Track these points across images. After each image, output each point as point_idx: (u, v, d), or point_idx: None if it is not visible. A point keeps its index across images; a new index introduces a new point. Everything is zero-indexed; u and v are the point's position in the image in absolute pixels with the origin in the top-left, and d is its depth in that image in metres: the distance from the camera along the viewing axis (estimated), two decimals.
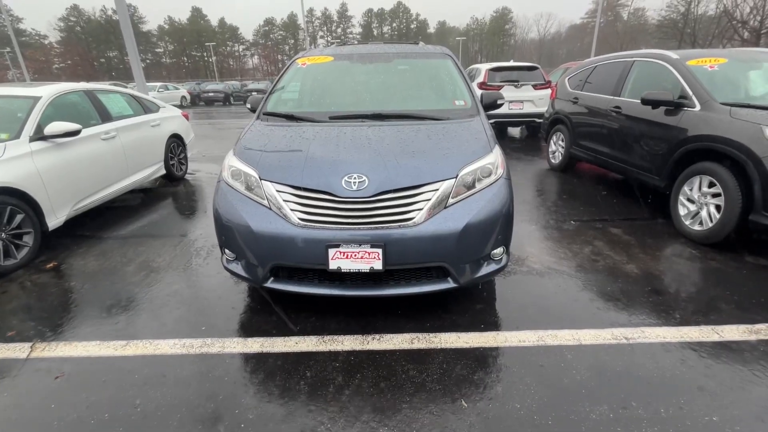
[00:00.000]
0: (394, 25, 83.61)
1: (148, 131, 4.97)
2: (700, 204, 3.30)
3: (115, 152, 4.23)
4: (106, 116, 4.31)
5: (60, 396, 1.84)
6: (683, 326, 2.24)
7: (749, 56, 3.92)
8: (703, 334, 2.17)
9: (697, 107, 3.42)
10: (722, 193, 3.06)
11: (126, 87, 9.21)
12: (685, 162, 3.46)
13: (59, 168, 3.45)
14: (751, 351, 2.03)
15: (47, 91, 3.67)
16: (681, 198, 3.47)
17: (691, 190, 3.38)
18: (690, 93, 3.52)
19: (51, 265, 3.18)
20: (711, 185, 3.19)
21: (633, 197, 4.50)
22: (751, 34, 32.31)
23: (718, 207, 3.12)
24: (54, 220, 3.39)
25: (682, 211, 3.46)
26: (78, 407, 1.77)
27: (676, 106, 3.59)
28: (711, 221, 3.17)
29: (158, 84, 23.15)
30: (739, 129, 3.00)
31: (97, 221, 4.10)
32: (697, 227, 3.30)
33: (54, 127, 3.39)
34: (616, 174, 5.00)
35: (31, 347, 2.18)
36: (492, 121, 2.65)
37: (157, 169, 5.12)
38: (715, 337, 2.13)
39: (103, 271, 3.05)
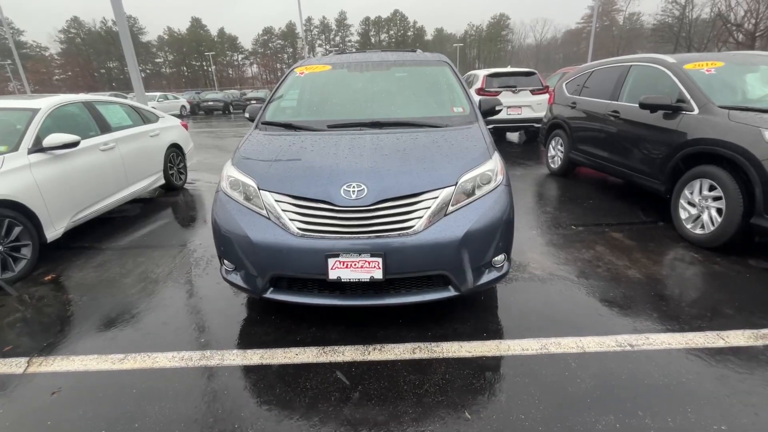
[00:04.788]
0: (392, 32, 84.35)
1: (147, 141, 4.98)
2: (701, 207, 3.28)
3: (114, 163, 4.23)
4: (105, 127, 4.31)
5: (57, 412, 1.81)
6: (688, 332, 2.21)
7: (746, 59, 3.93)
8: (709, 339, 2.14)
9: (696, 111, 3.42)
10: (723, 197, 3.04)
11: (126, 97, 9.25)
12: (685, 165, 3.45)
13: (58, 180, 3.44)
14: (757, 356, 2.00)
15: (46, 103, 3.68)
16: (682, 202, 3.46)
17: (691, 193, 3.37)
18: (688, 97, 3.53)
19: (49, 277, 3.16)
20: (711, 188, 3.18)
21: (633, 201, 4.48)
22: (746, 36, 32.59)
23: (719, 210, 3.11)
24: (52, 231, 3.38)
25: (683, 215, 3.45)
26: (75, 423, 1.74)
27: (674, 110, 3.59)
28: (712, 225, 3.15)
29: (158, 94, 23.27)
30: (739, 132, 3.00)
31: (96, 232, 4.09)
32: (698, 231, 3.28)
33: (52, 138, 3.39)
34: (615, 178, 4.99)
35: (28, 362, 2.15)
36: (490, 126, 2.64)
37: (156, 179, 5.12)
38: (721, 343, 2.11)
39: (101, 283, 3.03)
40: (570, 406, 1.74)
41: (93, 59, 71.05)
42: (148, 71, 73.29)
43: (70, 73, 68.35)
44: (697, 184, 3.31)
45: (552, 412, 1.71)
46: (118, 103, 4.99)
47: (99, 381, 2.00)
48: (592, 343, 2.14)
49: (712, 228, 3.15)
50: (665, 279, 2.82)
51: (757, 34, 31.82)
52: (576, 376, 1.92)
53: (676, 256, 3.16)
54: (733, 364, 1.96)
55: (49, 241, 3.35)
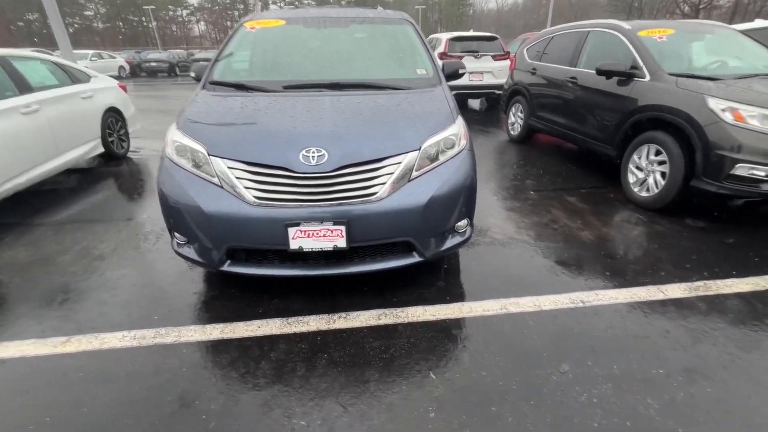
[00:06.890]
0: None
1: (79, 104, 4.45)
2: (647, 171, 3.47)
3: (39, 128, 3.75)
4: (24, 87, 3.78)
5: None
6: (632, 287, 2.38)
7: (694, 28, 4.09)
8: (650, 293, 2.32)
9: (647, 77, 3.54)
10: (667, 161, 3.23)
11: (51, 54, 8.13)
12: (635, 131, 3.61)
13: None
14: (690, 307, 2.20)
15: None
16: (630, 166, 3.64)
17: (639, 158, 3.55)
18: (641, 63, 3.63)
19: None
20: (658, 153, 3.36)
21: (588, 167, 4.68)
22: (691, 8, 34.17)
23: (663, 174, 3.30)
24: None
25: (631, 179, 3.64)
26: (14, 414, 1.60)
27: (627, 76, 3.70)
28: (657, 188, 3.36)
29: (90, 52, 20.84)
30: (684, 98, 3.14)
31: (25, 207, 3.67)
32: (644, 194, 3.49)
33: None
34: (572, 144, 5.17)
35: None
36: (452, 93, 2.59)
37: (93, 147, 4.64)
38: (660, 296, 2.29)
39: (35, 262, 2.75)
40: (528, 360, 1.84)
41: (7, 10, 61.70)
42: (76, 26, 65.01)
43: None
44: (645, 149, 3.48)
45: (511, 368, 1.80)
46: (39, 59, 4.37)
47: (39, 367, 1.84)
48: (547, 302, 2.25)
49: (656, 191, 3.36)
50: (613, 239, 3.00)
51: (700, 6, 33.46)
52: (533, 332, 2.01)
53: (623, 218, 3.37)
54: (671, 314, 2.14)
55: None
